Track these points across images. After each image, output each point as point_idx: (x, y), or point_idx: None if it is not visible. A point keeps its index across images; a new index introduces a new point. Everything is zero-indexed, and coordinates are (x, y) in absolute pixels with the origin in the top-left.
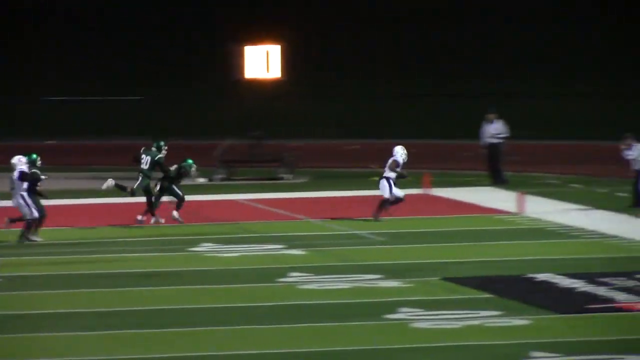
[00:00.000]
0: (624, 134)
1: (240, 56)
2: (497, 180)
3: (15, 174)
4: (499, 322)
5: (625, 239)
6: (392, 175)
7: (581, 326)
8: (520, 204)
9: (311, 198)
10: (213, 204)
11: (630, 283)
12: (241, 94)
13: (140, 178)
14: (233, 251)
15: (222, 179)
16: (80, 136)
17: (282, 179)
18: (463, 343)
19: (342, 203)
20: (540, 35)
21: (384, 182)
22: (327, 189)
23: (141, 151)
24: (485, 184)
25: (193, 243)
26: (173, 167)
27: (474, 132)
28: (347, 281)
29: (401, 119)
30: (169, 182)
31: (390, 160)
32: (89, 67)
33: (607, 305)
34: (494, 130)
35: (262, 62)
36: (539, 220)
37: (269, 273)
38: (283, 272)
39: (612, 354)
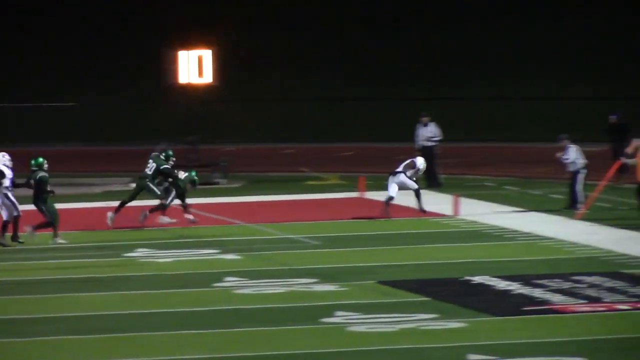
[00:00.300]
0: (558, 135)
1: (173, 61)
2: (432, 183)
3: None
4: (435, 325)
5: (560, 240)
6: (407, 173)
7: (517, 328)
8: (456, 206)
9: (246, 202)
10: (147, 209)
11: (566, 285)
12: (175, 99)
13: (152, 186)
14: (168, 256)
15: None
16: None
17: (217, 183)
18: (399, 346)
19: (277, 207)
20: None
21: (401, 177)
22: (261, 193)
23: (150, 156)
24: (420, 187)
25: (128, 248)
26: (184, 176)
27: (409, 134)
28: (282, 285)
29: (334, 123)
30: (174, 188)
31: (408, 161)
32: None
33: (543, 307)
34: (429, 133)
35: (195, 67)
36: (475, 222)
37: (204, 278)
38: (219, 277)
39: (548, 355)
